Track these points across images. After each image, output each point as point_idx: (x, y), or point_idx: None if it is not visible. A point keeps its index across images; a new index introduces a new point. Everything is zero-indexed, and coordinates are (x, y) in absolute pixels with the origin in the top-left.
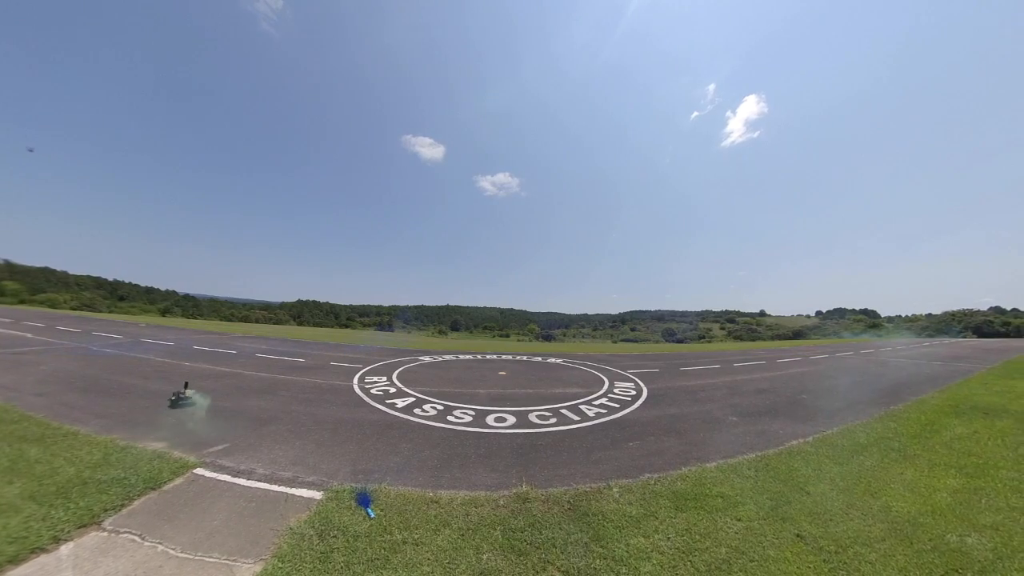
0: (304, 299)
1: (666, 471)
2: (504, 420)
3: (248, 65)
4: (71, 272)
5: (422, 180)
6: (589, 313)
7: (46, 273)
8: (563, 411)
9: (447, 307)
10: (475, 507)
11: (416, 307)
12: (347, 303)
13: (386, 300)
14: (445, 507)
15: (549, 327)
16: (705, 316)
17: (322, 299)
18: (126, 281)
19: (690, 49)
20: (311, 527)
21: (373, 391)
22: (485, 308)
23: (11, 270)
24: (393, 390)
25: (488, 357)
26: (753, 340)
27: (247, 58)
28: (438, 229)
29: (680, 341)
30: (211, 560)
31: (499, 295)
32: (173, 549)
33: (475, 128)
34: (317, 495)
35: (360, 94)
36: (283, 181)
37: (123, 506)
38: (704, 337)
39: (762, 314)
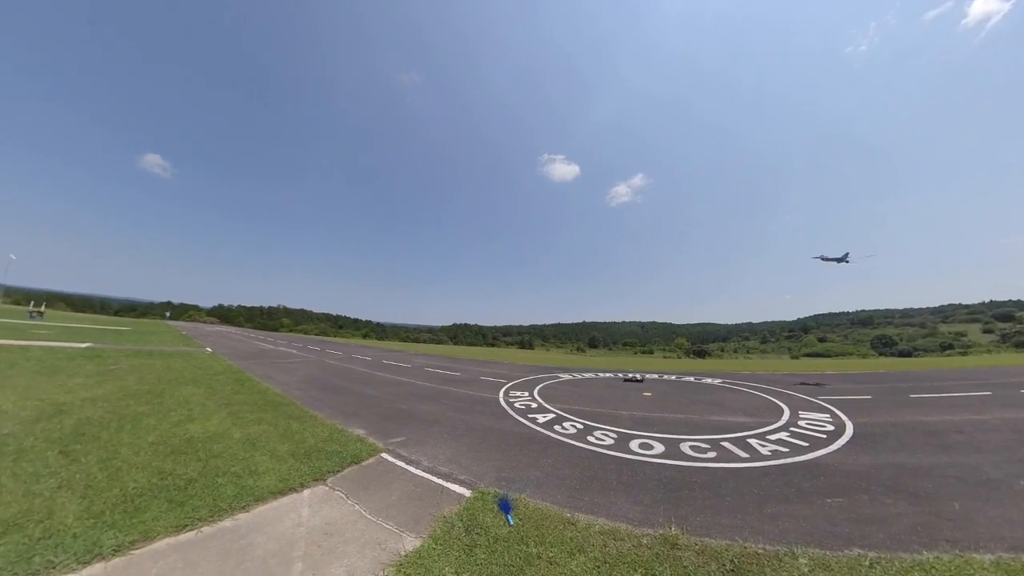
0: (458, 323)
1: (893, 550)
2: (650, 447)
3: (399, 140)
4: (315, 311)
5: (550, 203)
6: (753, 322)
7: (303, 312)
8: (725, 444)
9: (583, 324)
10: (614, 539)
11: (553, 325)
12: (492, 324)
13: (525, 320)
14: (582, 532)
15: (701, 341)
16: (948, 314)
17: (472, 322)
18: (343, 315)
19: None
20: (460, 520)
21: (516, 405)
22: (624, 323)
23: (286, 311)
24: (535, 405)
25: (630, 375)
26: None
27: (401, 141)
28: (569, 247)
29: (905, 353)
30: (387, 527)
31: (638, 308)
32: (365, 511)
33: (593, 141)
34: (466, 492)
35: (481, 138)
36: (437, 231)
37: (337, 472)
38: (951, 346)
39: None
